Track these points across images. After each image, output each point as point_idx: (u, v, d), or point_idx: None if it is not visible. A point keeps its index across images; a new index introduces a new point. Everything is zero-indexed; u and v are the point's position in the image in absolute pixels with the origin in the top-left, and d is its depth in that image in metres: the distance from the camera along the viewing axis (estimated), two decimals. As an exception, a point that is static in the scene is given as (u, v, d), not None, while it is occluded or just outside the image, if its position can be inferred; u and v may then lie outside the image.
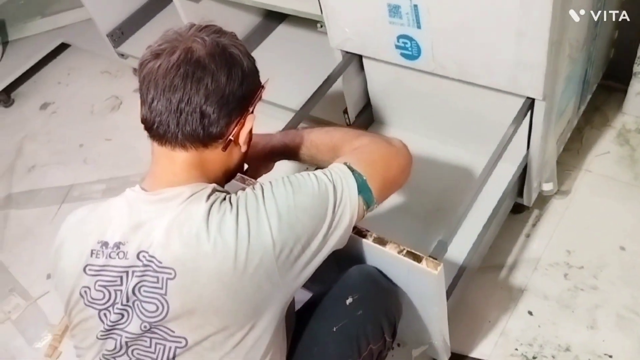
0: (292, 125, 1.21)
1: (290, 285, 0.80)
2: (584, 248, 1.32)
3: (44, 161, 2.05)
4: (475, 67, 1.09)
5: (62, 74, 2.39)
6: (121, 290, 0.78)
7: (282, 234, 0.76)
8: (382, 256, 0.91)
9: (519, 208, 1.40)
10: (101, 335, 0.79)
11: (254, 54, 0.86)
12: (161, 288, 0.76)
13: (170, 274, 0.75)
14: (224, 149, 0.83)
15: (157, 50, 0.80)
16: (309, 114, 1.29)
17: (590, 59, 1.30)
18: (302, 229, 0.78)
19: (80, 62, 2.40)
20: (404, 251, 0.88)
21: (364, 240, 0.91)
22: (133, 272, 0.77)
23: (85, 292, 0.80)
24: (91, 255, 0.79)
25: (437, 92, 1.28)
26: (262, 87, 0.88)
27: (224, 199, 0.79)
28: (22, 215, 1.87)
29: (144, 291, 0.77)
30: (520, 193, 1.32)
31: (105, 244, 0.79)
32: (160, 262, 0.76)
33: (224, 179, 0.88)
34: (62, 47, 2.41)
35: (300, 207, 0.78)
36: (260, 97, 0.88)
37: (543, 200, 1.42)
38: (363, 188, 0.84)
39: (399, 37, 1.13)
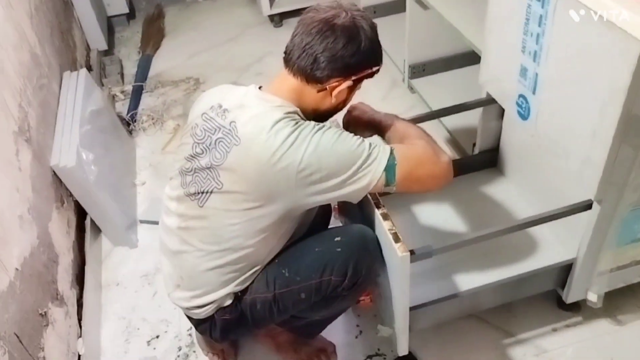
0: (419, 117, 1.47)
1: (299, 198, 1.09)
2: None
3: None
4: (558, 147, 1.19)
5: (323, 22, 2.92)
6: (211, 137, 1.16)
7: (310, 159, 1.06)
8: (380, 227, 1.14)
9: (566, 306, 1.43)
10: (187, 157, 1.20)
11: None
12: (228, 147, 1.12)
13: (237, 142, 1.11)
14: (319, 91, 1.15)
15: (319, 7, 1.15)
16: (443, 122, 1.63)
17: None
18: (327, 165, 1.06)
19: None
20: (392, 230, 1.10)
21: (376, 209, 1.15)
22: (222, 130, 1.15)
23: (195, 127, 1.21)
24: (209, 109, 1.20)
25: (540, 154, 1.40)
26: (372, 70, 1.16)
27: (295, 119, 1.11)
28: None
29: (220, 144, 1.14)
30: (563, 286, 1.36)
31: (220, 106, 1.18)
32: (237, 132, 1.12)
33: (311, 114, 1.19)
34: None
35: (334, 151, 1.06)
36: (369, 75, 1.16)
37: (594, 313, 1.42)
38: (389, 168, 1.08)
39: (520, 95, 1.28)
